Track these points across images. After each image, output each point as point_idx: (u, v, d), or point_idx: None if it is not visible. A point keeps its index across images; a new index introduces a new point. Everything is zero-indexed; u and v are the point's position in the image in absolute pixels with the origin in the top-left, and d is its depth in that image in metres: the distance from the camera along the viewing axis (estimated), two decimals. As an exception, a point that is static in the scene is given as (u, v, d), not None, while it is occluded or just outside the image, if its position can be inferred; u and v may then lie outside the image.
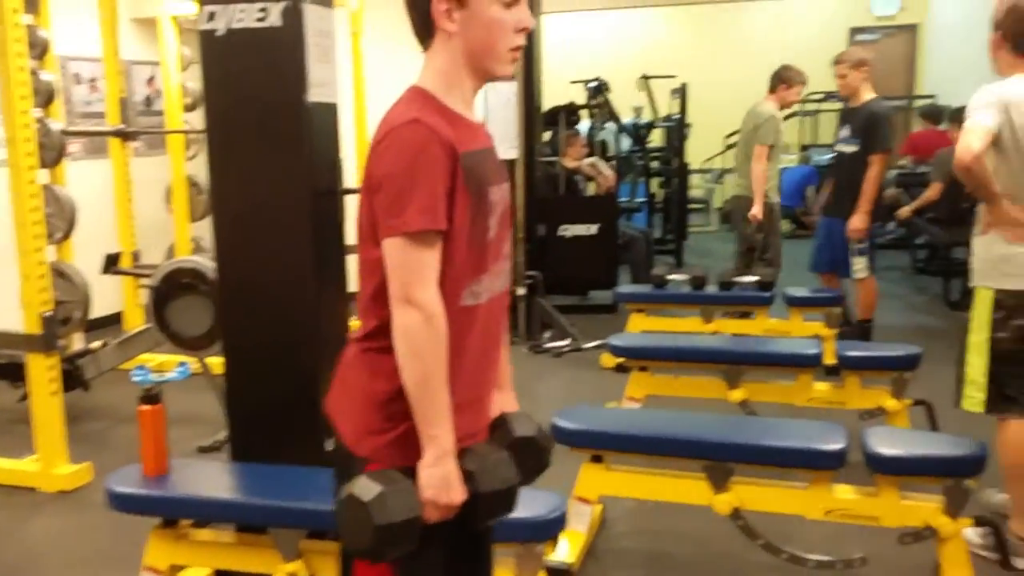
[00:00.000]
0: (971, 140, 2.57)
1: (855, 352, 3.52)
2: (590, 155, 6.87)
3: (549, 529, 2.16)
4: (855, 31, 12.83)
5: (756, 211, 5.19)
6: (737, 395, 3.58)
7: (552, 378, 4.79)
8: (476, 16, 1.45)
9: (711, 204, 11.46)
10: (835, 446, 2.48)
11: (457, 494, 1.45)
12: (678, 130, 8.49)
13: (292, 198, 2.48)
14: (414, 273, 1.40)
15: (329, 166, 2.65)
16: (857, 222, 4.69)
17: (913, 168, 8.26)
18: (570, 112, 6.20)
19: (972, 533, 2.72)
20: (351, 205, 4.80)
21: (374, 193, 1.44)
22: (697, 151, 12.48)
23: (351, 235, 3.38)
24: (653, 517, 3.05)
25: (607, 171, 6.89)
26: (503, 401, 1.75)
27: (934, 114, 9.21)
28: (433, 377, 1.42)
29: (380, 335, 1.47)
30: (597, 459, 2.76)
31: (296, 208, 2.48)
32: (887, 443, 2.50)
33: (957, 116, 6.96)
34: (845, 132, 4.91)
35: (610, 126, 8.32)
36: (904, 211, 6.83)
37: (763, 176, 5.24)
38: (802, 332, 4.73)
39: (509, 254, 1.63)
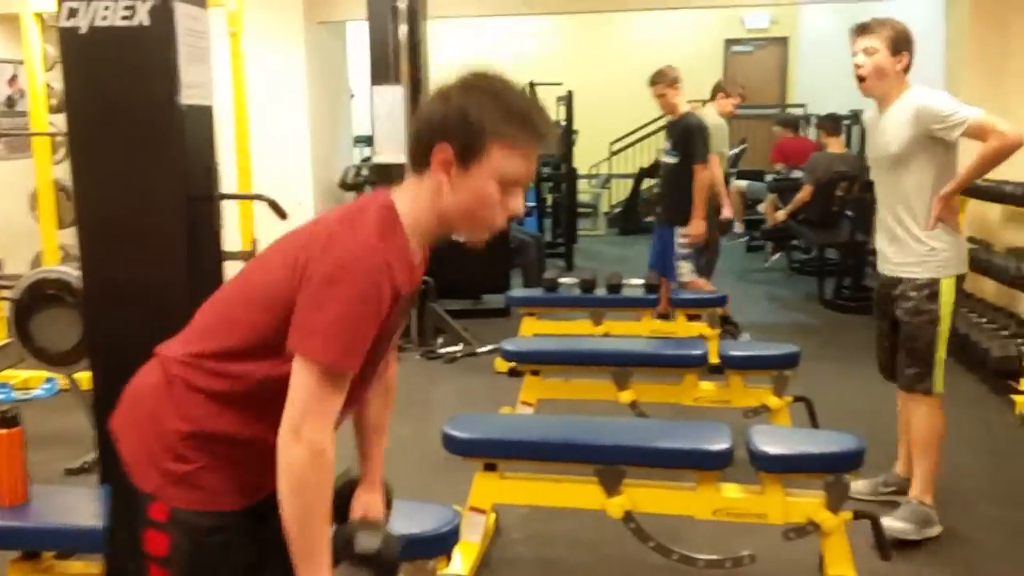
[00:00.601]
0: (1004, 124, 2.74)
1: (737, 352, 3.61)
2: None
3: (440, 545, 2.11)
4: (730, 43, 13.33)
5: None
6: (626, 396, 3.63)
7: (445, 384, 4.74)
8: (472, 184, 1.40)
9: (599, 208, 11.65)
10: (720, 446, 2.52)
11: None
12: (565, 136, 8.58)
13: (164, 204, 2.35)
14: (317, 408, 1.34)
15: (204, 171, 2.53)
16: (694, 228, 5.00)
17: (786, 173, 8.61)
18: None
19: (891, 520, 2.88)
20: (230, 211, 4.57)
21: (304, 279, 1.35)
22: (584, 157, 12.70)
23: (229, 241, 3.25)
24: (547, 523, 3.04)
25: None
26: (367, 501, 1.70)
27: (791, 122, 9.63)
28: (314, 514, 1.37)
29: (204, 368, 1.43)
30: (491, 467, 2.73)
31: (169, 214, 2.35)
32: (770, 441, 2.56)
33: (823, 124, 7.30)
34: (667, 145, 5.34)
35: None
36: (780, 215, 7.11)
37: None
38: (687, 332, 4.85)
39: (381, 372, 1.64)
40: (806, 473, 2.55)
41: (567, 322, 5.01)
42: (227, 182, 5.85)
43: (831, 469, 2.49)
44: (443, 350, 5.31)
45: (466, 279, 6.15)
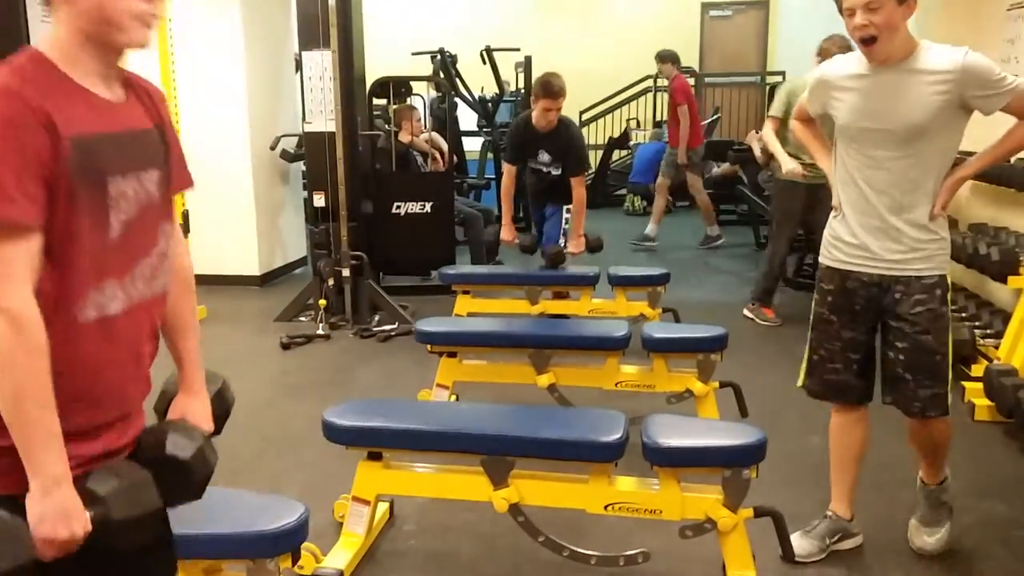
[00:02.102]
0: None
1: (661, 334, 3.43)
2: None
3: (283, 542, 1.94)
4: (707, 6, 13.04)
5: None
6: (544, 380, 3.46)
7: (373, 364, 4.56)
8: None
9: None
10: (612, 436, 2.36)
11: (78, 525, 1.22)
12: (525, 105, 8.33)
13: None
14: None
15: None
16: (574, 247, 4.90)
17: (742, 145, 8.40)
18: (399, 84, 5.93)
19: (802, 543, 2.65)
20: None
21: None
22: (554, 127, 12.44)
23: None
24: (445, 513, 2.88)
25: (444, 147, 6.67)
26: (185, 405, 1.53)
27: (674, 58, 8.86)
28: (28, 395, 1.17)
29: None
30: (375, 456, 2.57)
31: None
32: (666, 433, 2.39)
33: None
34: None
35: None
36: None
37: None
38: (627, 312, 4.69)
39: (164, 252, 1.40)
40: (702, 467, 2.38)
41: (503, 300, 4.84)
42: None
43: (728, 463, 2.32)
44: (378, 328, 5.12)
45: (409, 254, 5.97)
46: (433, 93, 8.94)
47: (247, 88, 6.20)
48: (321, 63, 5.03)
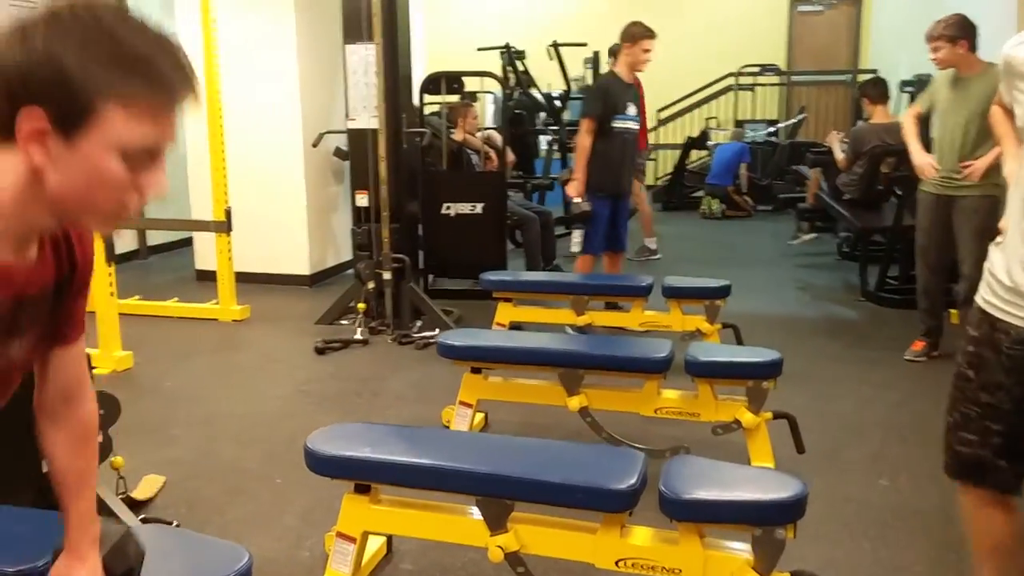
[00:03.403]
0: None
1: (705, 357, 3.06)
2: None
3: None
4: (796, 1, 12.41)
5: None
6: (575, 403, 3.14)
7: (407, 373, 4.31)
8: (82, 161, 0.97)
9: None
10: (626, 483, 2.02)
11: None
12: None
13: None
14: None
15: None
16: (569, 186, 4.81)
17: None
18: (452, 80, 5.67)
19: None
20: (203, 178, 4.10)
21: None
22: (629, 126, 12.03)
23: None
24: (445, 553, 2.59)
25: (509, 154, 6.39)
26: (67, 572, 1.31)
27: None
28: None
29: None
30: (362, 489, 2.30)
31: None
32: (688, 482, 2.05)
33: (866, 90, 6.45)
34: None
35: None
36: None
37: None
38: (682, 326, 4.33)
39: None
40: (731, 524, 2.03)
41: (548, 310, 4.53)
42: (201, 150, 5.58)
43: (761, 521, 1.97)
44: (418, 335, 4.87)
45: (458, 257, 5.71)
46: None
47: (300, 84, 6.04)
48: (365, 57, 4.80)
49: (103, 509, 2.33)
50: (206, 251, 6.08)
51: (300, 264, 6.31)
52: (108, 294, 4.25)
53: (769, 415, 3.04)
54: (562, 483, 2.07)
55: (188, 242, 6.98)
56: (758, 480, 2.12)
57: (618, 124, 4.76)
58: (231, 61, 6.02)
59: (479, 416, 3.54)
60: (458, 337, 3.30)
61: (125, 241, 7.29)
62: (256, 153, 6.15)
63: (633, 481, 2.03)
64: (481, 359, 3.25)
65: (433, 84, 5.61)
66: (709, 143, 10.97)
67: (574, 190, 4.74)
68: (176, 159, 6.61)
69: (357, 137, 4.96)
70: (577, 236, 4.83)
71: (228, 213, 5.28)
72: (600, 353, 3.13)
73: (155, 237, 7.56)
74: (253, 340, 4.97)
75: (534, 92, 8.59)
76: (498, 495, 2.13)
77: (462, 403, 3.32)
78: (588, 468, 2.13)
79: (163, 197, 1.06)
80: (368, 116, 4.84)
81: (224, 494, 2.94)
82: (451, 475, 2.16)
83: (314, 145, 5.34)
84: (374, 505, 2.29)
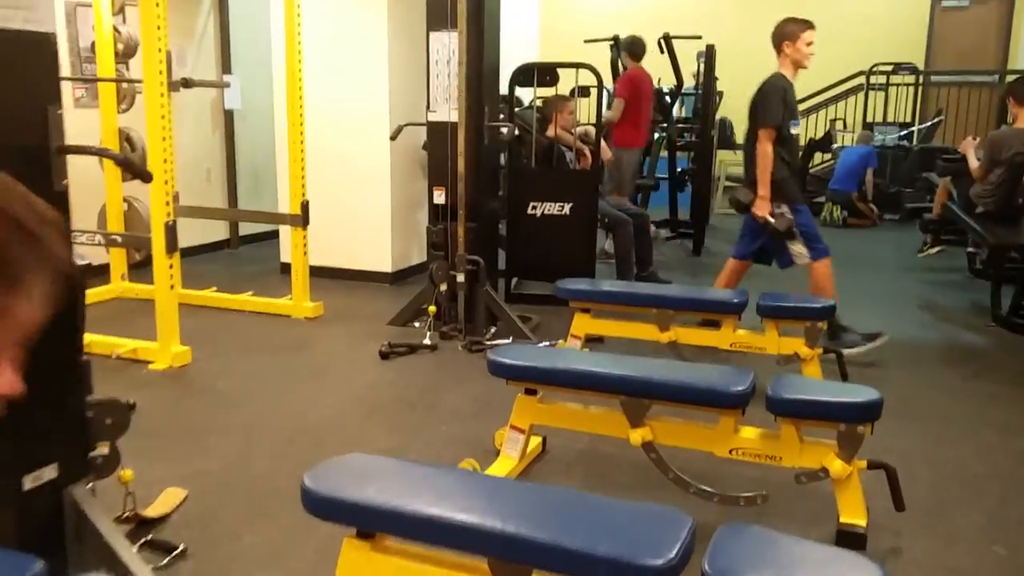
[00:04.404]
0: None
1: (789, 394, 2.61)
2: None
3: None
4: (937, -3, 11.45)
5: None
6: (638, 436, 2.75)
7: (471, 385, 3.99)
8: None
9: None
10: (662, 558, 1.65)
11: None
12: (706, 98, 7.49)
13: None
14: None
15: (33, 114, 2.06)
16: (757, 207, 4.28)
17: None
18: (544, 72, 5.32)
19: None
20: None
21: None
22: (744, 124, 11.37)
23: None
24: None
25: (606, 150, 6.01)
26: None
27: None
28: None
29: None
30: (366, 535, 2.00)
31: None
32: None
33: (1015, 90, 5.72)
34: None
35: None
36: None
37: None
38: (777, 349, 3.87)
39: None
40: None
41: (629, 323, 4.13)
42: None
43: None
44: (490, 342, 4.57)
45: (544, 260, 5.37)
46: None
47: (389, 75, 5.84)
48: (448, 46, 4.53)
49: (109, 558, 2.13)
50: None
51: (382, 261, 6.12)
52: (167, 286, 4.13)
53: (863, 464, 2.58)
54: (585, 552, 1.70)
55: (278, 233, 6.91)
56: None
57: (794, 130, 4.39)
58: (321, 49, 5.90)
59: (535, 440, 3.20)
60: (511, 353, 2.95)
61: (216, 230, 7.30)
62: (343, 145, 6.00)
63: (672, 556, 1.65)
64: (534, 379, 2.90)
65: (524, 76, 5.29)
66: (834, 146, 10.22)
67: (764, 208, 4.27)
68: (266, 150, 6.53)
69: (437, 130, 4.69)
70: (798, 247, 4.33)
71: (305, 207, 5.11)
72: (669, 381, 2.72)
73: (247, 227, 7.55)
74: (320, 339, 4.78)
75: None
76: (511, 559, 1.79)
77: (513, 427, 2.99)
78: (619, 534, 1.76)
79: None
80: (449, 108, 4.56)
81: (245, 516, 2.71)
82: (458, 531, 1.82)
83: (392, 138, 5.11)
84: (376, 553, 1.99)
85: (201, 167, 7.14)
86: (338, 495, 1.95)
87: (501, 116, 5.17)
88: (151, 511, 2.61)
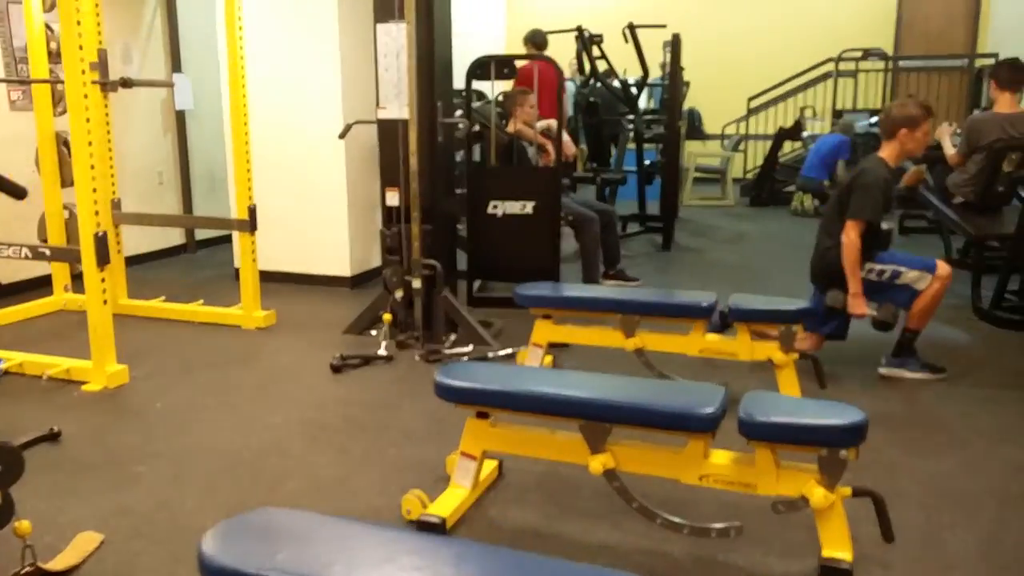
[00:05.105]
0: None
1: (763, 417, 2.37)
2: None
3: None
4: (906, -20, 11.31)
5: None
6: (598, 462, 2.51)
7: (427, 400, 3.70)
8: None
9: (727, 174, 10.17)
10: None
11: None
12: (673, 88, 7.26)
13: None
14: None
15: None
16: (852, 308, 3.95)
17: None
18: (502, 64, 5.06)
19: None
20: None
21: None
22: (717, 115, 11.22)
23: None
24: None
25: (569, 145, 5.77)
26: None
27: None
28: None
29: None
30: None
31: None
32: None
33: (999, 73, 5.54)
34: None
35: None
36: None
37: None
38: (750, 355, 3.66)
39: None
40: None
41: (594, 329, 3.90)
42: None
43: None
44: (450, 351, 4.32)
45: (505, 262, 5.13)
46: (579, 78, 8.05)
47: (341, 70, 5.57)
48: (397, 38, 4.26)
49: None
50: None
51: (341, 265, 5.85)
52: (99, 301, 3.84)
53: (848, 492, 2.36)
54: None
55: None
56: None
57: (885, 225, 3.98)
58: (269, 45, 5.63)
59: (491, 464, 2.96)
60: (459, 373, 2.70)
61: (171, 235, 6.99)
62: (296, 145, 5.72)
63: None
64: (485, 403, 2.65)
65: (481, 69, 5.02)
66: (804, 134, 10.06)
67: (860, 307, 3.88)
68: (221, 152, 6.23)
69: (387, 128, 4.42)
70: (912, 273, 3.97)
71: (252, 211, 4.83)
72: (631, 403, 2.48)
73: (205, 231, 7.24)
74: (270, 352, 4.50)
75: (613, 79, 7.92)
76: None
77: (464, 454, 2.75)
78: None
79: None
80: (399, 105, 4.30)
81: (165, 564, 2.44)
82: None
83: (341, 136, 4.84)
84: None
85: (153, 171, 6.82)
86: (238, 567, 1.68)
87: (459, 112, 4.92)
88: (57, 562, 2.34)
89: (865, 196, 3.83)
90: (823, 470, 2.31)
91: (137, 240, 6.41)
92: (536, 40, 7.01)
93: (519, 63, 5.93)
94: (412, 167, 4.25)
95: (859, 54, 10.50)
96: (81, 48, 3.66)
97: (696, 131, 10.86)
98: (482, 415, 2.71)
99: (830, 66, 10.56)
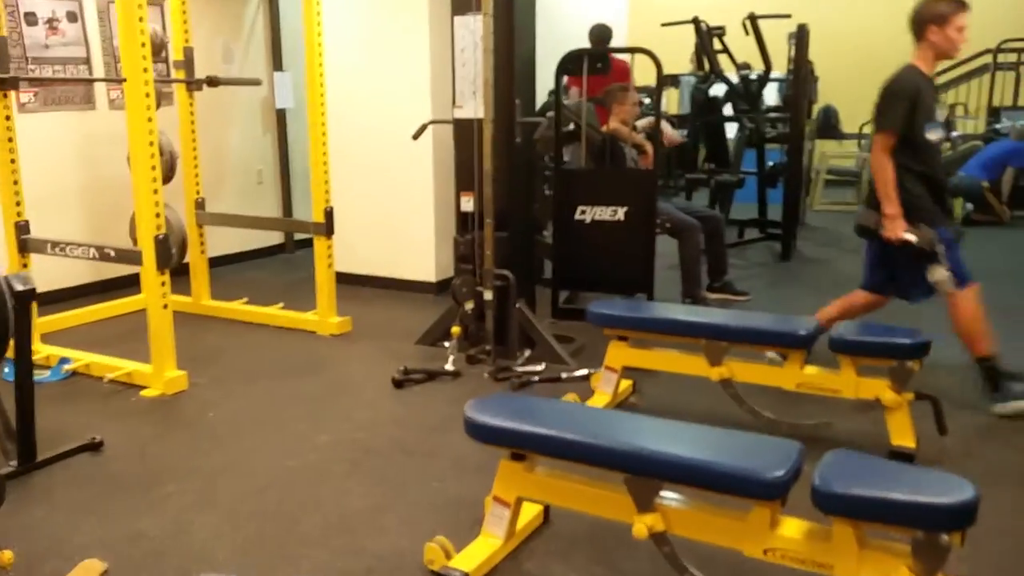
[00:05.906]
0: None
1: (857, 490, 1.92)
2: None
3: None
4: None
5: None
6: (643, 524, 2.13)
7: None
8: None
9: (863, 177, 9.33)
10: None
11: None
12: (797, 84, 6.65)
13: None
14: None
15: None
16: (887, 230, 3.46)
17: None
18: (595, 59, 4.67)
19: None
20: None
21: None
22: (853, 114, 10.37)
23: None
24: None
25: (672, 134, 5.33)
26: None
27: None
28: None
29: None
30: None
31: None
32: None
33: None
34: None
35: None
36: None
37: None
38: (855, 392, 3.16)
39: None
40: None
41: (676, 354, 3.48)
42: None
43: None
44: (522, 368, 3.99)
45: (594, 272, 4.75)
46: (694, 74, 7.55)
47: (431, 69, 5.33)
48: (475, 31, 3.96)
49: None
50: (338, 250, 5.55)
51: (426, 270, 5.63)
52: (159, 306, 3.73)
53: (951, 585, 1.88)
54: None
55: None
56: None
57: (932, 135, 3.50)
58: (358, 42, 5.48)
59: (534, 509, 2.61)
60: (491, 410, 2.37)
61: (270, 235, 6.98)
62: (383, 145, 5.53)
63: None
64: (518, 445, 2.31)
65: (574, 64, 4.66)
66: (953, 134, 9.11)
67: (896, 228, 3.43)
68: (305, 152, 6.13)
69: (463, 129, 4.14)
70: (940, 273, 3.44)
71: (329, 214, 4.66)
72: (683, 458, 2.08)
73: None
74: (337, 362, 4.31)
75: (731, 74, 7.38)
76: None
77: (497, 499, 2.42)
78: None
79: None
80: (477, 103, 4.00)
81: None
82: None
83: (414, 137, 4.58)
84: None
85: (252, 169, 6.82)
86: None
87: (549, 113, 4.59)
88: (44, 598, 2.17)
89: (888, 105, 3.45)
90: (918, 557, 1.85)
91: (232, 240, 6.40)
92: (596, 36, 6.50)
93: (619, 56, 5.54)
94: (486, 169, 3.95)
95: (1022, 45, 9.44)
96: (143, 45, 3.55)
97: (832, 130, 10.08)
98: (517, 456, 2.38)
99: (987, 58, 9.55)
